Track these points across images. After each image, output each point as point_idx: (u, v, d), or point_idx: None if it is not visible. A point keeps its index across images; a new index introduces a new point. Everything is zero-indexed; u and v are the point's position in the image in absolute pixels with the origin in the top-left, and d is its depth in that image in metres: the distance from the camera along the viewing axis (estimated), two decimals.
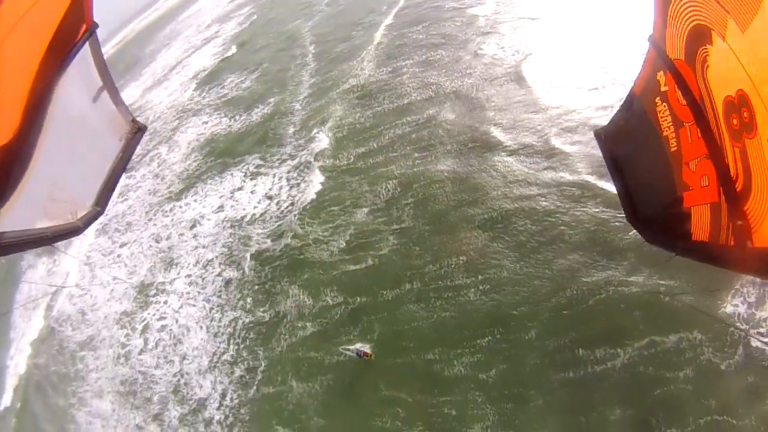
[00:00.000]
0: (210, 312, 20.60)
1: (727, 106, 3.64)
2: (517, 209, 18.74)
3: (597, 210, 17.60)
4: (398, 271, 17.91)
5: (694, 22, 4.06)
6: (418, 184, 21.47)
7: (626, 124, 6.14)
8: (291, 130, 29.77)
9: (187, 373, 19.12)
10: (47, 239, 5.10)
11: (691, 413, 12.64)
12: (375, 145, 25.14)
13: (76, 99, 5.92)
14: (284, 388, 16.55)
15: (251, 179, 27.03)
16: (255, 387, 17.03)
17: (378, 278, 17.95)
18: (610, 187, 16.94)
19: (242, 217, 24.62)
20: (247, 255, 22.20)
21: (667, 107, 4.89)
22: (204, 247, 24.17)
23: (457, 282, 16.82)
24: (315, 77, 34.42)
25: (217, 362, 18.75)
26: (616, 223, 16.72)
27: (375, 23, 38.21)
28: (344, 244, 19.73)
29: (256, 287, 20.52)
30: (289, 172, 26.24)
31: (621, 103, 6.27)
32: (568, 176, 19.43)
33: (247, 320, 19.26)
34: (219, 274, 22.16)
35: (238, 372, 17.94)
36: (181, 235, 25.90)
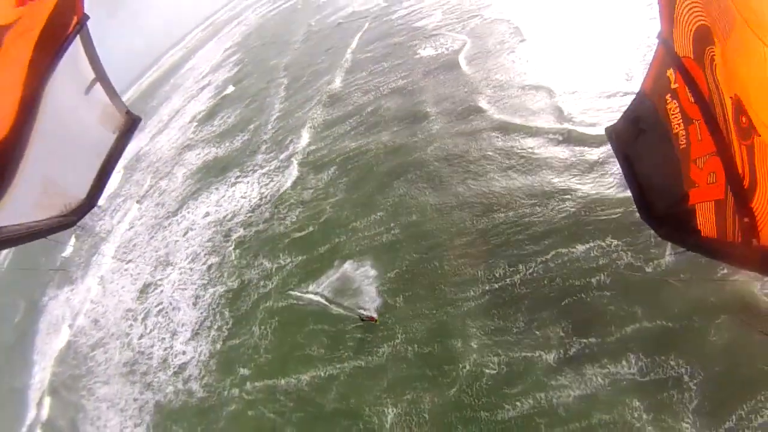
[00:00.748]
0: (195, 291, 24.04)
1: (735, 105, 3.64)
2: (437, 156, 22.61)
3: (494, 135, 21.64)
4: (332, 231, 21.46)
5: (699, 22, 4.12)
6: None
7: (637, 122, 6.16)
8: (264, 147, 34.29)
9: (174, 346, 22.23)
10: (41, 233, 5.06)
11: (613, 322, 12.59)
12: (332, 147, 29.19)
13: (69, 92, 5.89)
14: (246, 336, 19.39)
15: (231, 187, 31.14)
16: (221, 342, 20.04)
17: (314, 240, 21.34)
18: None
19: (224, 217, 28.49)
20: (227, 244, 25.77)
21: (677, 104, 4.87)
22: (193, 246, 27.95)
23: (380, 229, 19.83)
24: (284, 102, 39.44)
25: (198, 330, 21.85)
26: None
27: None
28: (295, 218, 23.06)
29: (232, 266, 23.95)
30: (260, 177, 30.24)
31: (631, 100, 6.32)
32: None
33: (222, 290, 22.55)
34: (204, 263, 25.71)
35: (213, 333, 20.95)
36: (177, 241, 29.85)
